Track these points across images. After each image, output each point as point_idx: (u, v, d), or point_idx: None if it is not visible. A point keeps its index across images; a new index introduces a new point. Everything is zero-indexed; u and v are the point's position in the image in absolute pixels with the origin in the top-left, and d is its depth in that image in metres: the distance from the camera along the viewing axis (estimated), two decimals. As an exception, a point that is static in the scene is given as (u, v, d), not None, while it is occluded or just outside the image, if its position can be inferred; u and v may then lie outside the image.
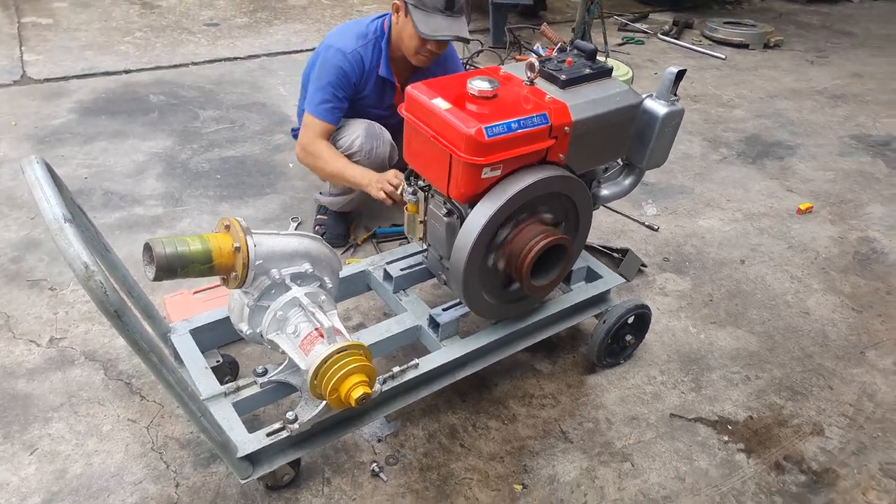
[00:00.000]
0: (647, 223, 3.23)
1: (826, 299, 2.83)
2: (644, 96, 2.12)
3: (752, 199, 3.52)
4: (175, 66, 4.48)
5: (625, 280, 2.83)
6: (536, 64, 1.95)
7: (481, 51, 4.79)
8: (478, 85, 1.85)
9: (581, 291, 2.32)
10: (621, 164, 2.27)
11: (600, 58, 2.21)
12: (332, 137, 2.59)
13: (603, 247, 2.97)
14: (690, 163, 3.82)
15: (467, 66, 4.57)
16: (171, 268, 1.53)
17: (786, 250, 3.13)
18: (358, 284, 2.34)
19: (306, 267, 1.82)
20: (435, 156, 1.88)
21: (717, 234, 3.21)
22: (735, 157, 3.93)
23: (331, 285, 1.90)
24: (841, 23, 6.55)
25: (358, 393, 1.64)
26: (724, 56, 5.31)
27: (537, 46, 4.13)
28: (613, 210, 3.30)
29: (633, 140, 2.16)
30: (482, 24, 5.27)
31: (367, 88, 2.58)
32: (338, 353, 1.65)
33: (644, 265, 2.91)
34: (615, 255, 2.92)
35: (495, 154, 1.77)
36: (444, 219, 1.97)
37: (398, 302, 2.21)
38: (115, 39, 4.74)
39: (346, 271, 2.26)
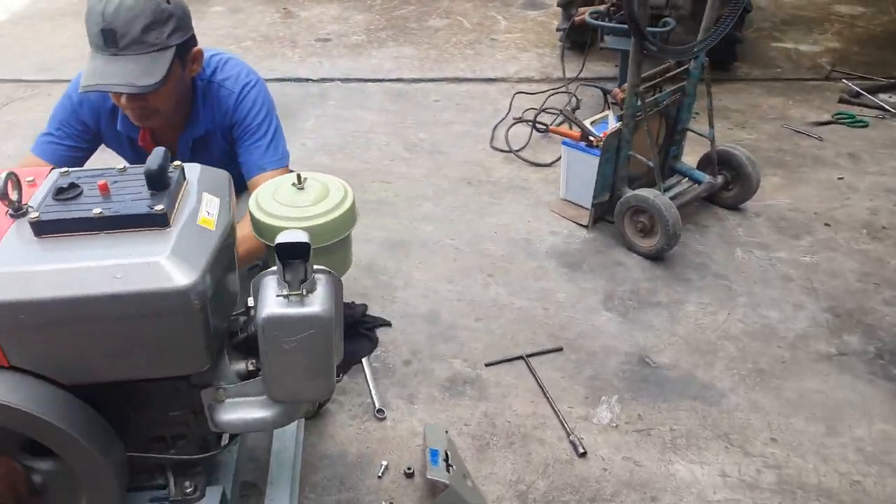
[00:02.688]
0: (573, 436, 1.95)
1: None
2: (185, 283, 1.09)
3: (837, 453, 1.94)
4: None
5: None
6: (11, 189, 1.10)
7: (576, 106, 3.63)
8: None
9: None
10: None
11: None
12: None
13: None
14: (762, 347, 2.29)
15: (558, 123, 3.46)
16: None
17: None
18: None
19: None
20: None
21: (687, 505, 1.79)
22: (862, 360, 2.26)
23: None
24: None
25: None
26: None
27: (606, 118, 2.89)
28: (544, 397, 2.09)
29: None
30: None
31: (116, 147, 1.91)
32: None
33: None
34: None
35: None
36: None
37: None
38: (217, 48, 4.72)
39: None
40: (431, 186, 3.18)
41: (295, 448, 1.70)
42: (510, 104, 3.78)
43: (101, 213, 1.07)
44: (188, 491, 1.38)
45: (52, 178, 1.18)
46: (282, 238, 1.02)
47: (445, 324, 2.39)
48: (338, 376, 1.80)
